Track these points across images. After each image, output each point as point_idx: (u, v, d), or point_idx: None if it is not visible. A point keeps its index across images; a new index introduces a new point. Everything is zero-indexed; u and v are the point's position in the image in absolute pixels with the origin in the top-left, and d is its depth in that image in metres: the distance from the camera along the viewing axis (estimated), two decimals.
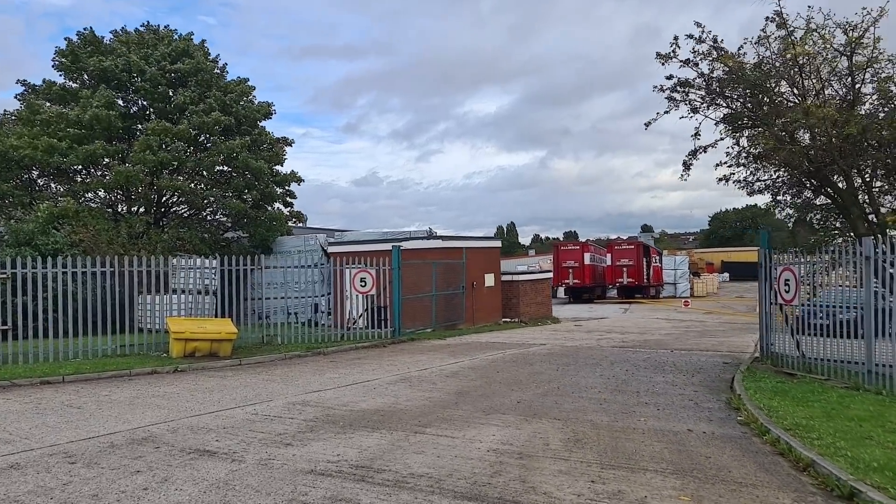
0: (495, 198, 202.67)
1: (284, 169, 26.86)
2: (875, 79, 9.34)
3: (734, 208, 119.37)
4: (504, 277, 24.85)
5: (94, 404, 8.47)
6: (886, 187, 9.72)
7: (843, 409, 7.28)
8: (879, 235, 8.78)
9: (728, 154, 11.29)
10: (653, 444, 6.23)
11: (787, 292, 10.91)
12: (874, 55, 9.10)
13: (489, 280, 23.27)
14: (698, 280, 55.51)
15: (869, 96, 9.49)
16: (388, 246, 20.48)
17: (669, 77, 11.25)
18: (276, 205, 26.77)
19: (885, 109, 9.27)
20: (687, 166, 11.46)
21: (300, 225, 29.91)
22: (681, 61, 10.84)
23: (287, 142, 27.67)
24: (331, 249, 23.32)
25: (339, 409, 8.03)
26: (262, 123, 26.41)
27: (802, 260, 10.48)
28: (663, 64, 11.13)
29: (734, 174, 11.32)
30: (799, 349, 10.71)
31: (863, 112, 9.37)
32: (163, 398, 8.88)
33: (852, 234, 10.44)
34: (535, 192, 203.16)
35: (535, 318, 25.71)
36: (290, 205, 27.66)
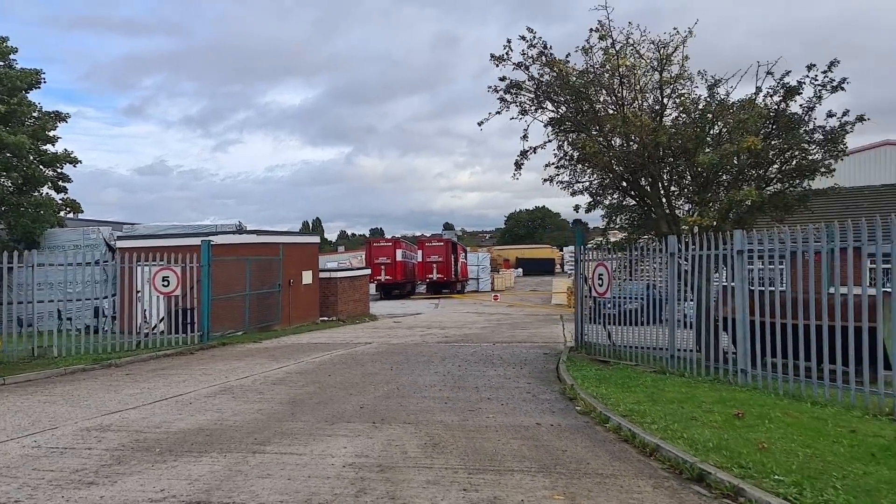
0: (299, 192, 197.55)
1: (56, 148, 22.79)
2: (678, 94, 10.49)
3: (526, 209, 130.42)
4: (322, 274, 23.93)
5: None
6: (677, 192, 10.95)
7: (660, 392, 7.94)
8: (681, 235, 9.81)
9: (555, 156, 11.93)
10: (510, 441, 6.14)
11: (601, 286, 11.82)
12: (681, 72, 10.21)
13: (307, 278, 22.20)
14: (498, 275, 59.47)
15: (673, 109, 10.61)
16: (194, 241, 18.42)
17: (503, 79, 11.52)
18: (45, 190, 22.61)
19: (681, 121, 10.42)
20: (518, 166, 11.87)
21: (73, 216, 25.66)
22: (514, 63, 11.15)
23: (61, 117, 23.51)
24: (120, 244, 20.39)
25: (152, 432, 6.78)
26: (28, 95, 22.12)
27: (614, 256, 11.40)
28: (497, 65, 11.37)
29: (558, 175, 11.99)
30: (610, 338, 11.65)
31: (668, 123, 10.45)
32: None
33: (654, 232, 11.61)
34: (340, 188, 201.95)
35: (354, 316, 25.18)
36: (64, 190, 23.49)
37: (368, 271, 30.36)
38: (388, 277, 45.19)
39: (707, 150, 9.70)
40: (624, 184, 11.15)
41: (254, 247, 19.11)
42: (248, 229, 21.21)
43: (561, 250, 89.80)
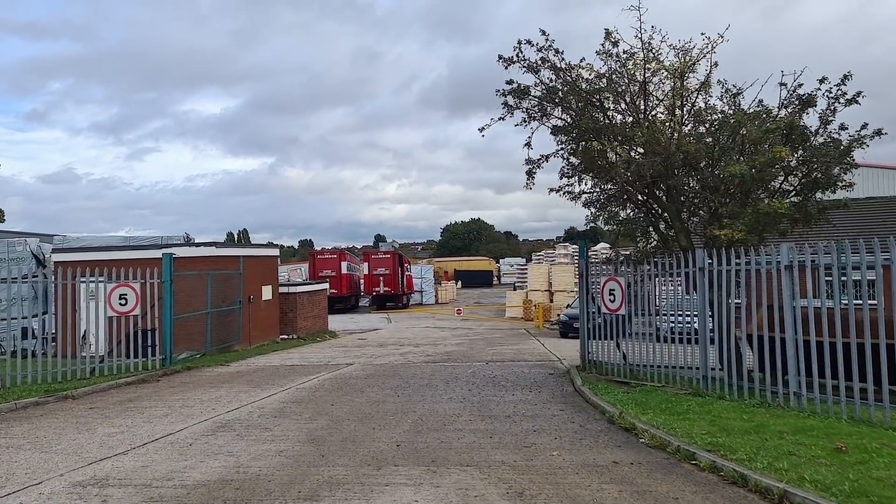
0: (222, 203, 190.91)
1: None
2: (703, 103, 10.18)
3: (462, 221, 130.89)
4: (280, 289, 22.45)
5: None
6: (697, 204, 10.60)
7: (721, 420, 7.38)
8: (712, 248, 9.41)
9: (563, 166, 11.36)
10: (603, 487, 5.39)
11: (613, 301, 11.31)
12: (706, 80, 9.87)
13: (267, 293, 20.73)
14: (441, 288, 58.75)
15: (692, 118, 10.25)
16: (152, 253, 16.84)
17: (510, 82, 10.88)
18: None
19: (703, 130, 10.08)
20: (530, 175, 11.24)
21: None
22: (524, 66, 10.53)
23: None
24: (57, 258, 18.35)
25: (165, 487, 5.60)
26: None
27: (631, 270, 10.90)
28: (506, 67, 10.72)
29: (568, 185, 11.44)
30: (625, 358, 11.13)
31: (687, 131, 10.10)
32: None
33: (663, 246, 11.22)
34: (265, 199, 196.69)
35: (313, 333, 23.79)
36: None
37: (326, 285, 28.94)
38: (333, 291, 43.47)
39: (736, 159, 9.39)
40: (639, 196, 10.71)
41: (213, 260, 17.57)
42: (195, 242, 19.64)
43: (497, 262, 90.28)
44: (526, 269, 44.51)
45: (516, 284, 47.85)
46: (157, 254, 16.86)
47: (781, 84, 10.04)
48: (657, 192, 10.49)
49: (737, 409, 7.90)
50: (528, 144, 11.30)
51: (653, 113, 10.33)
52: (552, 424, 7.89)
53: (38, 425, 8.43)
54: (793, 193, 10.19)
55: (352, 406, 9.32)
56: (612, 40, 10.37)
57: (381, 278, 46.67)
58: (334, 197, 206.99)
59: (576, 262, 41.46)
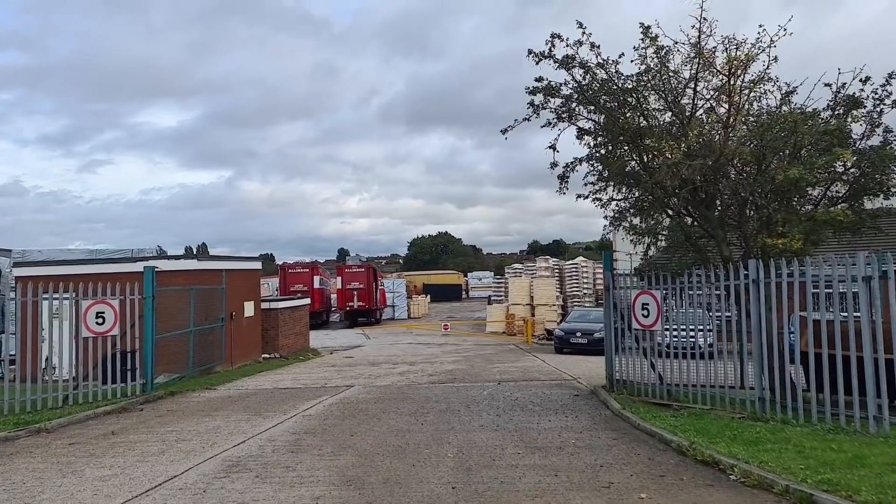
0: (178, 216, 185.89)
1: None
2: (756, 104, 9.56)
3: (429, 235, 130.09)
4: (261, 305, 21.11)
5: None
6: (745, 210, 9.92)
7: (808, 450, 6.61)
8: (759, 259, 8.73)
9: (591, 172, 10.60)
10: None
11: (647, 317, 10.54)
12: (762, 76, 9.23)
13: (249, 309, 19.41)
14: (413, 302, 57.53)
15: (744, 118, 9.56)
16: (124, 267, 15.54)
17: (539, 79, 10.07)
18: None
19: (755, 131, 9.41)
20: (563, 179, 10.44)
21: None
22: (557, 61, 9.75)
23: None
24: (20, 272, 16.80)
25: None
26: None
27: (668, 284, 10.16)
28: (537, 63, 9.93)
29: (598, 192, 10.67)
30: (661, 379, 10.35)
31: (737, 132, 9.43)
32: None
33: (696, 256, 10.54)
34: (223, 213, 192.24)
35: (296, 352, 22.47)
36: None
37: (308, 301, 27.59)
38: None
39: (788, 162, 8.76)
40: (676, 201, 10.00)
41: (195, 274, 16.26)
42: (184, 254, 18.32)
43: (465, 276, 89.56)
44: (503, 282, 43.72)
45: (492, 298, 46.97)
46: (130, 267, 15.54)
47: (827, 84, 9.50)
48: (698, 199, 9.78)
49: (816, 437, 7.15)
50: (552, 147, 10.52)
51: (698, 112, 9.66)
52: (615, 457, 7.01)
53: (13, 467, 7.15)
54: (840, 200, 9.62)
55: (375, 437, 8.27)
56: (651, 35, 9.67)
57: (356, 293, 45.24)
58: (294, 210, 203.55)
59: (557, 274, 41.35)
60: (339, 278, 46.24)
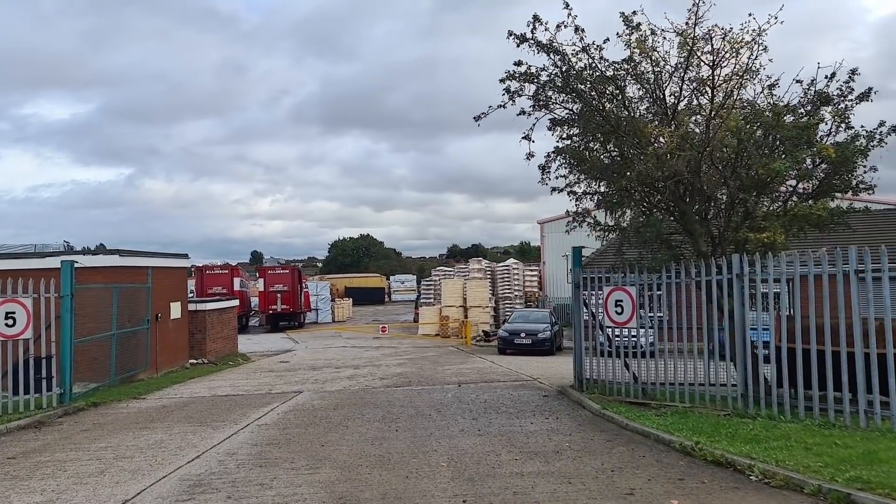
0: (72, 216, 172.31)
1: None
2: (740, 95, 9.46)
3: (350, 237, 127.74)
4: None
5: None
6: (722, 205, 9.84)
7: (813, 446, 6.44)
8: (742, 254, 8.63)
9: (562, 164, 10.22)
10: None
11: (620, 314, 10.28)
12: (749, 66, 9.12)
13: (176, 310, 17.78)
14: (337, 305, 55.98)
15: (727, 110, 9.42)
16: (27, 263, 13.78)
17: (518, 63, 9.59)
18: None
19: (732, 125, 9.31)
20: (544, 170, 9.99)
21: None
22: (538, 44, 9.30)
23: None
24: None
25: None
26: None
27: (643, 279, 9.94)
28: (518, 45, 9.44)
29: (571, 186, 10.31)
30: (635, 378, 10.11)
31: (721, 124, 9.28)
32: None
33: (668, 251, 10.41)
34: (123, 213, 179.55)
35: (225, 357, 20.89)
36: None
37: (237, 302, 25.86)
38: None
39: (769, 156, 8.72)
40: (658, 196, 9.80)
41: (117, 271, 14.61)
42: (75, 249, 16.56)
43: (388, 279, 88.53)
44: (432, 284, 43.15)
45: (421, 300, 46.29)
46: (39, 263, 13.81)
47: (798, 81, 9.55)
48: (678, 193, 9.60)
49: (814, 433, 7.02)
50: (526, 137, 10.09)
51: (683, 102, 9.49)
52: (621, 460, 6.59)
53: None
54: (808, 196, 9.73)
55: (351, 447, 7.46)
56: (632, 24, 9.41)
57: (279, 295, 43.37)
58: (202, 211, 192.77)
59: (489, 276, 41.29)
60: (261, 280, 44.23)
